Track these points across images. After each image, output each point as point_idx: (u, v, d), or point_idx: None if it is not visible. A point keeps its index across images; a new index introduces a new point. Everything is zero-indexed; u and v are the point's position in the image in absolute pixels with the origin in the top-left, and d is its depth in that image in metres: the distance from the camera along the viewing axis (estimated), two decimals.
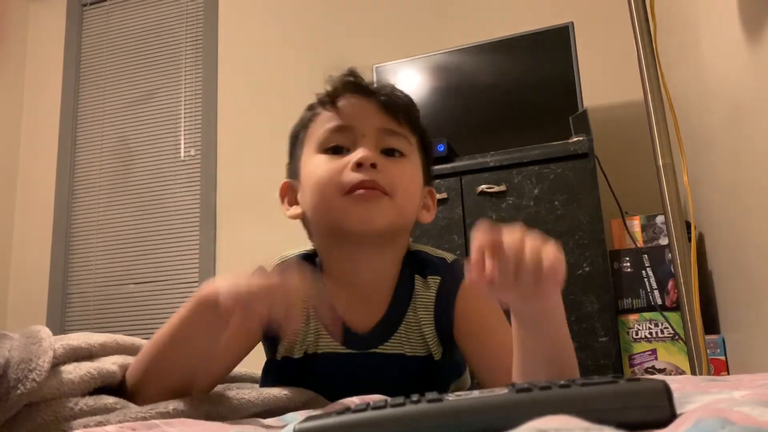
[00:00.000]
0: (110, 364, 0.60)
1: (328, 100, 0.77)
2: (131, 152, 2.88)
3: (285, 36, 2.72)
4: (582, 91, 1.92)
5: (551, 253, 0.50)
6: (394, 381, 0.77)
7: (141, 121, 2.89)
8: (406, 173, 0.76)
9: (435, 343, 0.77)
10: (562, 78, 1.95)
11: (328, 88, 0.78)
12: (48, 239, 2.89)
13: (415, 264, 0.80)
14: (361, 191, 0.70)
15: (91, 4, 3.09)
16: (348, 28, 2.63)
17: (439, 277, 0.78)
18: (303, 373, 0.77)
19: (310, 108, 0.81)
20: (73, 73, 3.02)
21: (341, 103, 0.76)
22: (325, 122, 0.77)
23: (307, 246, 0.84)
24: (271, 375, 0.80)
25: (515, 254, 0.49)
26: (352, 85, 0.77)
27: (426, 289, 0.78)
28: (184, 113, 2.82)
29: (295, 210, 0.79)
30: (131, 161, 2.87)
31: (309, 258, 0.82)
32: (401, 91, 0.80)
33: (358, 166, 0.71)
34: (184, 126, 2.81)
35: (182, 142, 2.80)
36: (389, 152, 0.75)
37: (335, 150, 0.75)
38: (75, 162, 2.96)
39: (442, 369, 0.79)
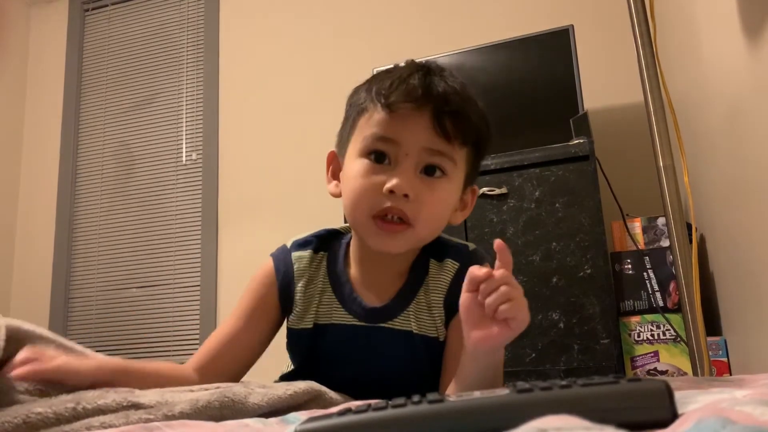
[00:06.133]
0: None
1: (383, 102, 0.75)
2: (133, 156, 2.88)
3: (286, 40, 2.73)
4: (582, 93, 1.92)
5: (519, 299, 0.59)
6: (401, 358, 0.82)
7: (142, 126, 2.89)
8: (439, 198, 0.77)
9: (442, 324, 0.81)
10: (562, 80, 1.96)
11: (389, 82, 0.76)
12: (50, 244, 2.89)
13: (432, 248, 0.84)
14: (382, 224, 0.75)
15: (92, 8, 3.10)
16: (348, 31, 2.63)
17: (458, 263, 0.82)
18: (314, 344, 0.83)
19: (368, 89, 0.79)
20: (74, 78, 3.03)
21: (395, 109, 0.75)
22: (374, 125, 0.76)
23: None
24: (289, 343, 0.86)
25: (492, 289, 0.60)
26: (409, 93, 0.74)
27: (441, 272, 0.83)
28: (186, 117, 2.83)
29: (336, 188, 0.83)
30: (133, 165, 2.87)
31: (335, 234, 0.89)
32: (464, 95, 0.78)
33: (391, 192, 0.73)
34: (186, 130, 2.82)
35: (184, 146, 2.80)
36: (430, 169, 0.76)
37: (378, 157, 0.76)
38: (77, 166, 2.96)
39: None
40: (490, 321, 0.60)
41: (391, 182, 0.73)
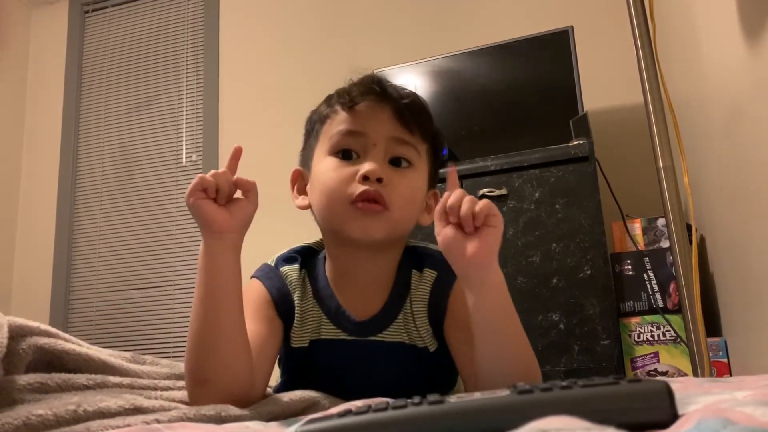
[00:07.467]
0: None
1: (346, 102, 0.80)
2: (133, 158, 2.88)
3: (286, 41, 2.73)
4: (582, 94, 1.92)
5: (484, 203, 0.65)
6: (395, 371, 0.81)
7: (142, 127, 2.89)
8: (410, 185, 0.79)
9: (429, 335, 0.81)
10: (562, 81, 1.96)
11: (348, 88, 0.81)
12: (50, 245, 2.89)
13: (413, 258, 0.84)
14: (362, 205, 0.75)
15: (93, 10, 3.10)
16: (349, 32, 2.63)
17: (435, 272, 0.82)
18: (307, 361, 0.81)
19: (328, 102, 0.84)
20: (74, 80, 3.03)
21: (358, 107, 0.79)
22: (340, 124, 0.80)
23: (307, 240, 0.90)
24: (283, 360, 0.84)
25: (459, 202, 0.66)
26: (369, 90, 0.80)
27: (421, 282, 0.82)
28: (186, 119, 2.83)
29: (304, 201, 0.84)
30: (133, 167, 2.87)
31: (312, 251, 0.87)
32: (417, 96, 0.83)
33: (365, 178, 0.75)
34: (186, 131, 2.82)
35: (184, 147, 2.80)
36: (397, 161, 0.79)
37: (346, 154, 0.78)
38: (77, 168, 2.96)
39: (441, 362, 0.81)
40: (473, 236, 0.64)
41: (365, 168, 0.75)
